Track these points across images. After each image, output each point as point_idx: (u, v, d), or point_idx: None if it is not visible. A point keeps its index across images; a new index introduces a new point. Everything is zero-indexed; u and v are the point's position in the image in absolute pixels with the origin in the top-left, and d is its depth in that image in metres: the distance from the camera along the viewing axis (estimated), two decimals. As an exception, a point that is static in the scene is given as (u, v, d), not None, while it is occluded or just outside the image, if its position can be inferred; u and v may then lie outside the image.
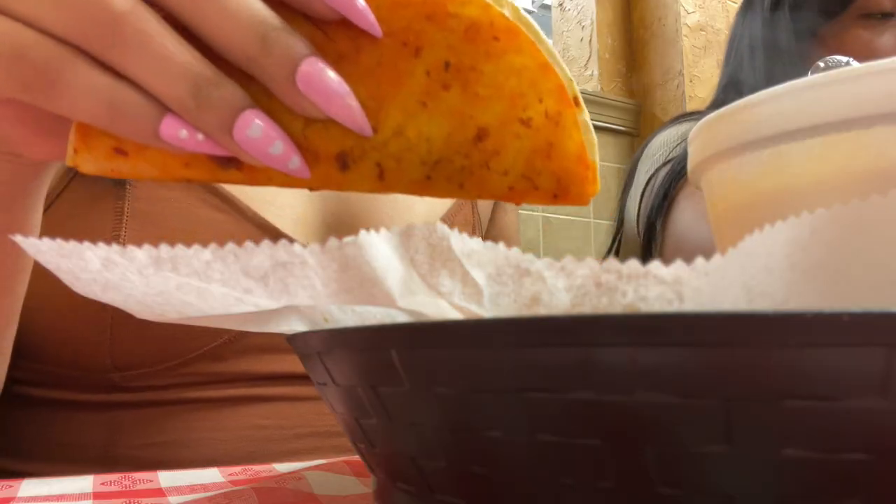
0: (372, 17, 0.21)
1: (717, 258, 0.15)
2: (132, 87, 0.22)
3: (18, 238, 0.19)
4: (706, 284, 0.15)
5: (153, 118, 0.22)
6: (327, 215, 0.49)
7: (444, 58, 0.21)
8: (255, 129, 0.21)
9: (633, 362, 0.14)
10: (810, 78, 0.22)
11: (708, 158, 0.26)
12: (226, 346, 0.43)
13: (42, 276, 0.41)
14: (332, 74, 0.21)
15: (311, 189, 0.23)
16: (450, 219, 0.54)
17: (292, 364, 0.45)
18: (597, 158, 0.22)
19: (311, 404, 0.46)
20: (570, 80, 0.22)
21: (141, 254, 0.18)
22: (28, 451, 0.44)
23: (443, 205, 0.54)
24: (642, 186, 0.74)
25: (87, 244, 0.18)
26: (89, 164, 0.23)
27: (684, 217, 0.65)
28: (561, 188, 0.22)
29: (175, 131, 0.22)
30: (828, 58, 0.31)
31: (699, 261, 0.15)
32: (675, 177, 0.67)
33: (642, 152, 0.79)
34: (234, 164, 0.23)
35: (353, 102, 0.22)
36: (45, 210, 0.42)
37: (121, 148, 0.23)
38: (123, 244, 0.41)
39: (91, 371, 0.42)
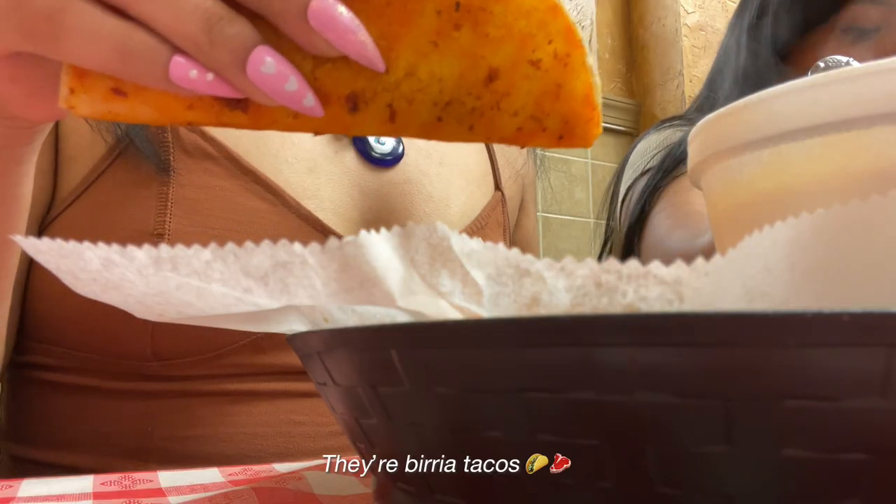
0: None
1: (717, 258, 0.15)
2: (140, 28, 0.21)
3: (18, 238, 0.19)
4: (706, 285, 0.15)
5: (163, 59, 0.21)
6: (365, 210, 0.49)
7: None
8: (269, 65, 0.21)
9: (633, 362, 0.14)
10: (810, 78, 0.22)
11: (707, 158, 0.26)
12: (266, 338, 0.42)
13: (82, 310, 0.40)
14: (343, 10, 0.21)
15: (316, 133, 0.23)
16: (483, 219, 0.54)
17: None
18: (600, 102, 0.22)
19: None
20: (575, 24, 0.22)
21: (140, 254, 0.18)
22: (56, 440, 0.43)
23: (477, 205, 0.55)
24: (621, 196, 0.76)
25: (86, 244, 0.18)
26: (85, 107, 0.23)
27: (653, 235, 0.66)
28: (567, 129, 0.22)
29: (185, 72, 0.21)
30: (828, 58, 0.31)
31: (699, 261, 0.15)
32: (651, 191, 0.68)
33: (628, 158, 0.80)
34: (241, 106, 0.22)
35: (366, 38, 0.21)
36: (84, 190, 0.42)
37: (119, 88, 0.22)
38: (168, 231, 0.41)
39: (128, 359, 0.41)
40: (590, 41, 2.07)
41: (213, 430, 0.42)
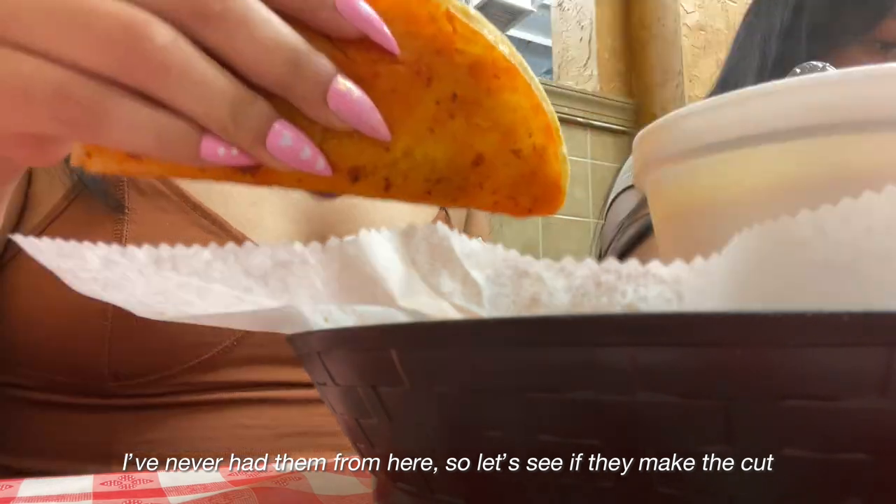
0: (390, 35, 0.23)
1: (714, 257, 0.15)
2: (172, 115, 0.23)
3: (18, 238, 0.19)
4: (705, 284, 0.15)
5: (195, 141, 0.23)
6: (310, 236, 0.52)
7: (452, 90, 0.24)
8: (286, 138, 0.23)
9: (633, 362, 0.14)
10: (756, 87, 0.22)
11: (649, 164, 0.26)
12: (217, 357, 0.46)
13: (40, 293, 0.44)
14: (358, 92, 0.23)
15: (318, 193, 0.24)
16: None
17: (277, 374, 0.48)
18: (567, 183, 0.25)
19: (293, 406, 0.49)
20: (553, 114, 0.25)
21: (141, 253, 0.18)
22: (29, 449, 0.47)
23: (424, 218, 0.58)
24: (607, 207, 0.77)
25: (86, 244, 0.18)
26: (98, 166, 0.24)
27: None
28: (536, 205, 0.25)
29: (214, 150, 0.23)
30: (804, 63, 0.30)
31: (698, 260, 0.15)
32: (636, 240, 0.69)
33: (624, 164, 0.80)
34: (251, 170, 0.24)
35: (377, 116, 0.23)
36: (44, 230, 0.45)
37: (135, 153, 0.24)
38: None
39: (89, 379, 0.45)
40: (590, 41, 2.07)
41: (171, 435, 0.45)
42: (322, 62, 0.22)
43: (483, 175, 0.25)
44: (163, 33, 0.22)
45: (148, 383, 0.45)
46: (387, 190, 0.24)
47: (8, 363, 0.47)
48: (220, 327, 0.45)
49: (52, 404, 0.46)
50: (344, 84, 0.23)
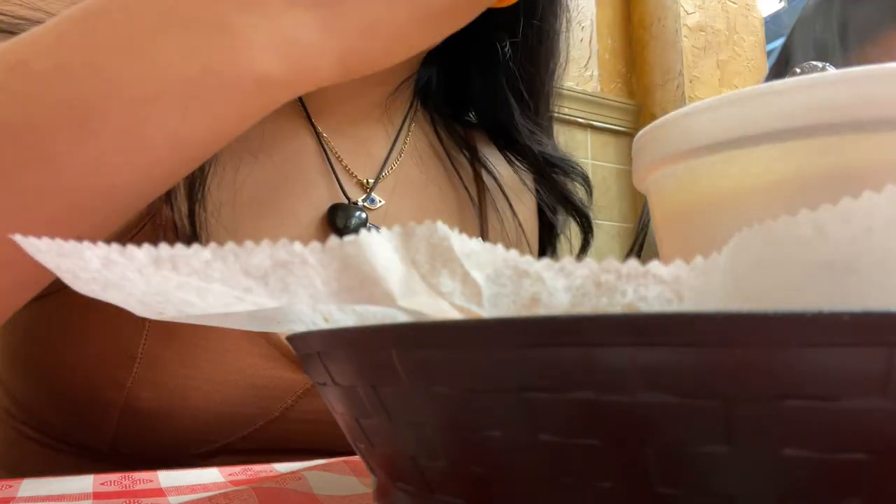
0: None
1: (714, 256, 0.15)
2: None
3: (18, 237, 0.19)
4: (705, 283, 0.15)
5: None
6: None
7: None
8: None
9: (633, 362, 0.14)
10: (754, 87, 0.22)
11: (651, 163, 0.26)
12: (216, 450, 0.47)
13: (41, 381, 0.45)
14: None
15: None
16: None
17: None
18: None
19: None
20: None
21: (140, 253, 0.18)
22: (24, 472, 0.48)
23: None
24: None
25: (86, 243, 0.18)
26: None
27: None
28: None
29: None
30: (804, 63, 0.30)
31: (698, 259, 0.15)
32: None
33: None
34: None
35: None
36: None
37: None
38: (142, 352, 0.43)
39: (87, 446, 0.46)
40: (590, 41, 2.07)
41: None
42: None
43: None
44: None
45: (142, 462, 0.46)
46: None
47: (15, 401, 0.49)
48: (225, 425, 0.45)
49: (46, 445, 0.47)
50: None
